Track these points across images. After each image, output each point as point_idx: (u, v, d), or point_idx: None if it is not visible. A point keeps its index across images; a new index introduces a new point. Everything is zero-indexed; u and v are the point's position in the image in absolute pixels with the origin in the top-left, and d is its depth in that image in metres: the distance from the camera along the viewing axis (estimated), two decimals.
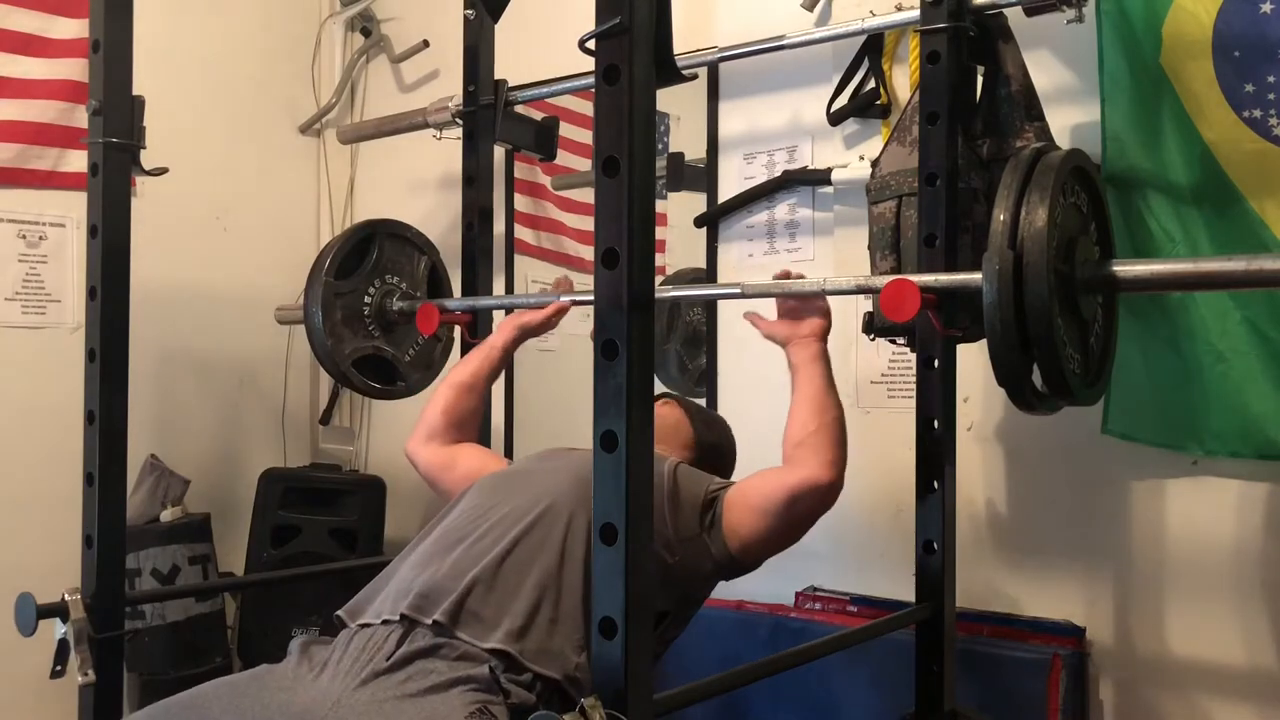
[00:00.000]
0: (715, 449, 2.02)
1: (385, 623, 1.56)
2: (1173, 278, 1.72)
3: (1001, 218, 1.59)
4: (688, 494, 1.76)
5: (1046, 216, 1.55)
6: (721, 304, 2.64)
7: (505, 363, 2.22)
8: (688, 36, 2.19)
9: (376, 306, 2.43)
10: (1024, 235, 1.56)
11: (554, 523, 1.64)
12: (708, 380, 2.66)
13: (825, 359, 1.85)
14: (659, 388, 2.18)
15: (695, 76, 2.14)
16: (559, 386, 2.97)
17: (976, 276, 1.64)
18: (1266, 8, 1.88)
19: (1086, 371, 1.72)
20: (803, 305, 1.90)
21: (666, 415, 2.01)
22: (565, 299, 2.17)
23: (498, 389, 2.64)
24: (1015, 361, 1.59)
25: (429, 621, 1.51)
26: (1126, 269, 1.68)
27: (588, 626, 1.52)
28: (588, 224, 2.98)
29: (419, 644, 1.48)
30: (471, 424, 2.11)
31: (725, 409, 2.61)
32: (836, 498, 1.74)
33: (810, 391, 1.81)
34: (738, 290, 1.97)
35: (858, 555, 2.41)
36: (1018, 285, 1.55)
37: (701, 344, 2.71)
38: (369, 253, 2.43)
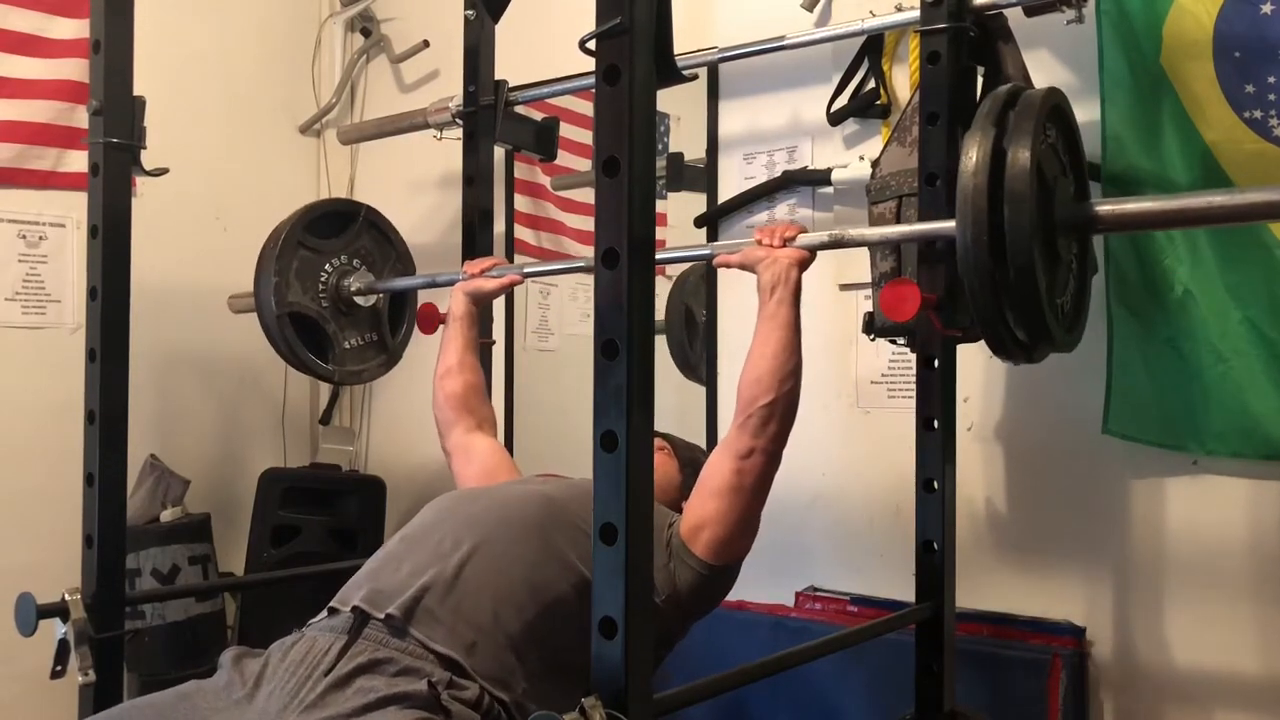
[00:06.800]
0: None
1: (332, 612, 1.53)
2: (1153, 216, 1.64)
3: (975, 155, 1.50)
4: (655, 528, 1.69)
5: (1030, 155, 1.47)
6: (722, 299, 2.63)
7: (477, 326, 2.20)
8: (688, 36, 2.19)
9: (334, 278, 2.45)
10: (1007, 174, 1.48)
11: (518, 541, 1.59)
12: (708, 374, 2.65)
13: (798, 298, 1.74)
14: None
15: (695, 76, 2.14)
16: (559, 386, 2.97)
17: (950, 225, 1.58)
18: (1267, 8, 1.88)
19: (1065, 318, 1.66)
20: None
21: (658, 467, 1.87)
22: (522, 272, 2.22)
23: (497, 389, 2.64)
24: (993, 308, 1.52)
25: (382, 616, 1.47)
26: (1106, 208, 1.63)
27: (536, 653, 1.50)
28: (588, 224, 2.98)
29: (360, 659, 1.42)
30: (476, 399, 2.12)
31: (725, 408, 2.61)
32: (777, 466, 1.68)
33: (775, 345, 1.69)
34: (708, 253, 1.97)
35: (858, 555, 2.41)
36: (996, 227, 1.48)
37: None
38: (350, 229, 2.47)
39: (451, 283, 2.26)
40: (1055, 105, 1.62)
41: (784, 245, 1.78)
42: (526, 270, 2.25)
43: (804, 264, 1.77)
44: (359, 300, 2.49)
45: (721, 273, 2.56)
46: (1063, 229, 1.60)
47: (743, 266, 1.83)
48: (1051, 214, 1.56)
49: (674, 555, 1.65)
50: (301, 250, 2.38)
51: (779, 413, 1.66)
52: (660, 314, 2.67)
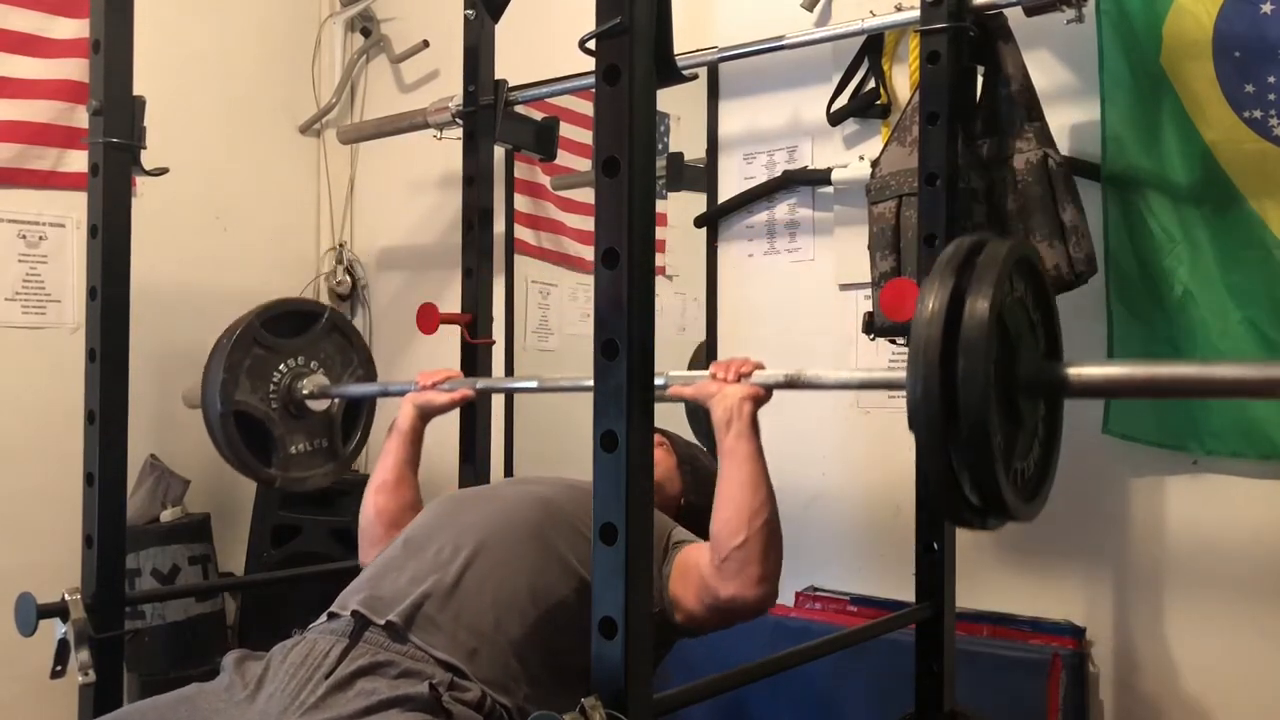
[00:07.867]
0: (699, 513, 1.74)
1: (332, 616, 1.53)
2: (1127, 382, 1.50)
3: (931, 304, 1.36)
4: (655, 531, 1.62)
5: (990, 305, 1.33)
6: (722, 320, 2.62)
7: (420, 443, 2.08)
8: (688, 36, 2.19)
9: (287, 379, 2.30)
10: (964, 324, 1.34)
11: (519, 544, 1.59)
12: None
13: (756, 432, 1.64)
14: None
15: (695, 76, 2.14)
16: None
17: (901, 375, 1.44)
18: (1267, 8, 1.88)
19: (1025, 486, 1.50)
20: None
21: (658, 464, 1.74)
22: (474, 387, 2.13)
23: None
24: (944, 468, 1.36)
25: (382, 622, 1.47)
26: (1077, 371, 1.44)
27: (538, 657, 1.50)
28: (588, 224, 2.98)
29: (360, 661, 1.42)
30: (409, 518, 1.94)
31: None
32: (771, 604, 1.58)
33: (738, 483, 1.58)
34: (662, 382, 1.74)
35: (858, 555, 2.41)
36: (948, 380, 1.33)
37: None
38: (311, 329, 2.34)
39: (403, 392, 2.14)
40: (1022, 258, 1.47)
41: (738, 380, 1.69)
42: (479, 385, 2.16)
43: (757, 400, 1.67)
44: (311, 404, 2.33)
45: (724, 332, 2.58)
46: (1026, 389, 1.44)
47: (694, 400, 1.74)
48: (1014, 370, 1.41)
49: (664, 583, 1.61)
50: (256, 348, 2.23)
51: (757, 553, 1.53)
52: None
